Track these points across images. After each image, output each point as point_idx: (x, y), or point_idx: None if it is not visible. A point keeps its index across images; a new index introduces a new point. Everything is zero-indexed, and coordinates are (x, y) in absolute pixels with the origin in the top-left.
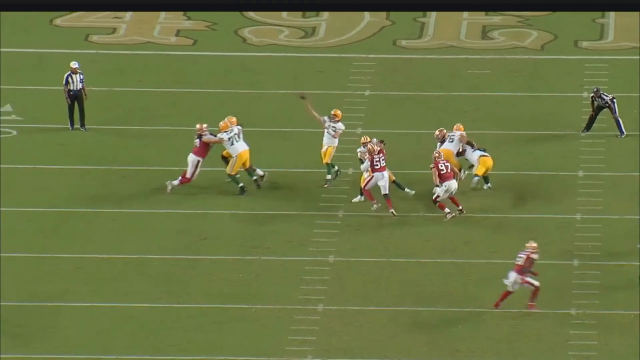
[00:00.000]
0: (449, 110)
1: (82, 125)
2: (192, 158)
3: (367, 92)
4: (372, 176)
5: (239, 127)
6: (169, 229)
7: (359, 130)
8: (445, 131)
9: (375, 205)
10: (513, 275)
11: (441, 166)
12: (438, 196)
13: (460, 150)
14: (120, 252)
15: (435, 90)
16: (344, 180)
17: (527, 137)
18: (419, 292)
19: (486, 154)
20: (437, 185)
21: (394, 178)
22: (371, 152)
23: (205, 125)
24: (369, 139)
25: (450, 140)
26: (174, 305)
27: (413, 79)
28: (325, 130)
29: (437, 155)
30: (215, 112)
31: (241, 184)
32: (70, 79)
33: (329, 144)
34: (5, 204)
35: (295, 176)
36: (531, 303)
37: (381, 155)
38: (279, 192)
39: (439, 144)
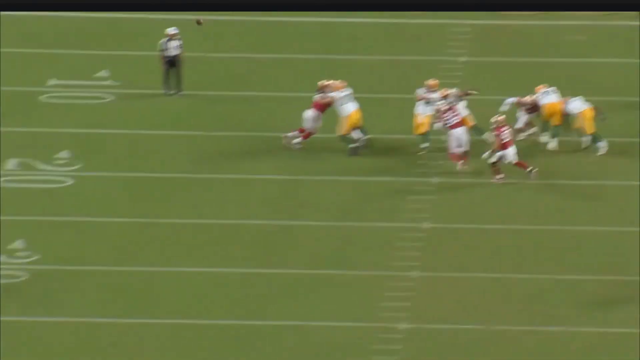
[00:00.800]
0: (546, 76)
1: (178, 90)
2: (309, 113)
3: (463, 59)
4: (450, 134)
5: (350, 89)
6: (265, 195)
7: None
8: (534, 96)
9: (461, 166)
10: None
11: (503, 132)
12: (498, 161)
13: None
14: (216, 218)
15: (532, 57)
16: (438, 147)
17: (626, 103)
18: (512, 259)
19: (585, 104)
20: (496, 151)
21: (472, 123)
22: (438, 113)
23: (328, 82)
24: (447, 91)
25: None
26: (269, 271)
27: (510, 45)
28: (421, 101)
29: (498, 120)
30: (311, 78)
31: (354, 145)
32: (167, 45)
33: (424, 113)
34: (101, 170)
35: (390, 142)
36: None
37: (451, 112)
38: (373, 159)
39: (523, 114)
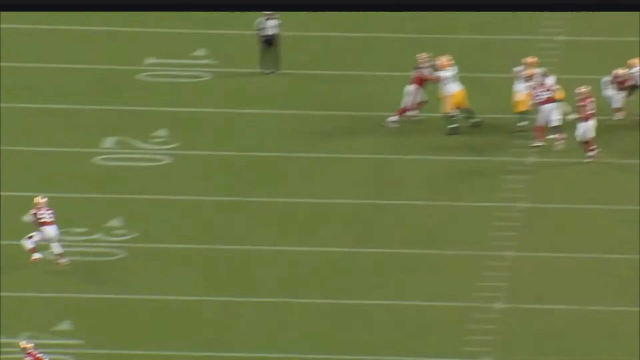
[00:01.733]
0: None
1: (276, 70)
2: (409, 88)
3: (560, 38)
4: (540, 110)
5: (455, 67)
6: (360, 174)
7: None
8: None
9: (554, 143)
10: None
11: (588, 103)
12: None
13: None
14: (310, 197)
15: (631, 36)
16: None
17: None
18: (609, 238)
19: None
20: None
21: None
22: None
23: (427, 56)
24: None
25: None
26: (362, 250)
27: (608, 23)
28: (519, 79)
29: (582, 91)
30: (406, 57)
31: (453, 125)
32: (264, 24)
33: (523, 91)
34: (197, 149)
35: (486, 121)
36: None
37: (541, 88)
38: (469, 138)
39: (613, 91)
